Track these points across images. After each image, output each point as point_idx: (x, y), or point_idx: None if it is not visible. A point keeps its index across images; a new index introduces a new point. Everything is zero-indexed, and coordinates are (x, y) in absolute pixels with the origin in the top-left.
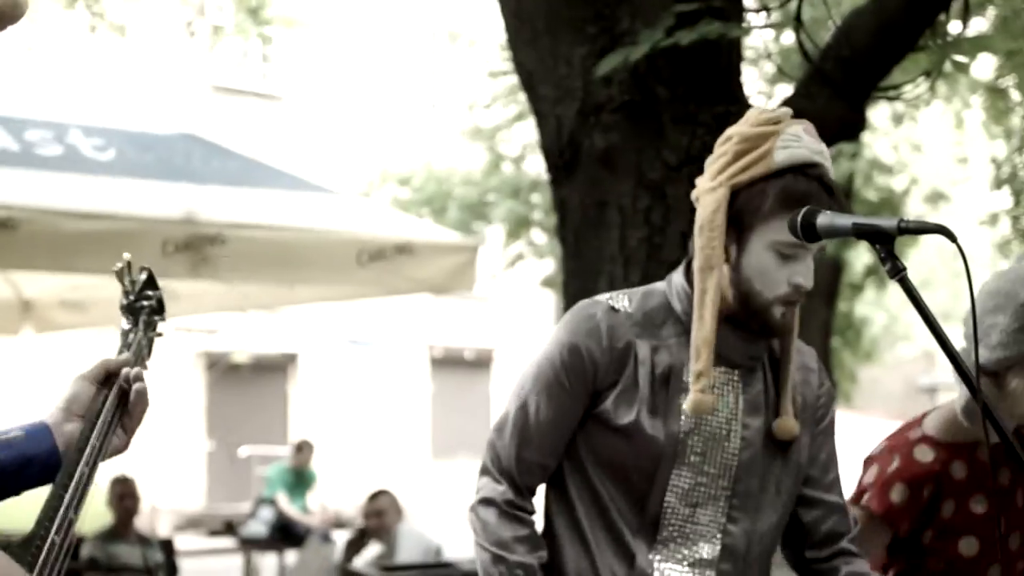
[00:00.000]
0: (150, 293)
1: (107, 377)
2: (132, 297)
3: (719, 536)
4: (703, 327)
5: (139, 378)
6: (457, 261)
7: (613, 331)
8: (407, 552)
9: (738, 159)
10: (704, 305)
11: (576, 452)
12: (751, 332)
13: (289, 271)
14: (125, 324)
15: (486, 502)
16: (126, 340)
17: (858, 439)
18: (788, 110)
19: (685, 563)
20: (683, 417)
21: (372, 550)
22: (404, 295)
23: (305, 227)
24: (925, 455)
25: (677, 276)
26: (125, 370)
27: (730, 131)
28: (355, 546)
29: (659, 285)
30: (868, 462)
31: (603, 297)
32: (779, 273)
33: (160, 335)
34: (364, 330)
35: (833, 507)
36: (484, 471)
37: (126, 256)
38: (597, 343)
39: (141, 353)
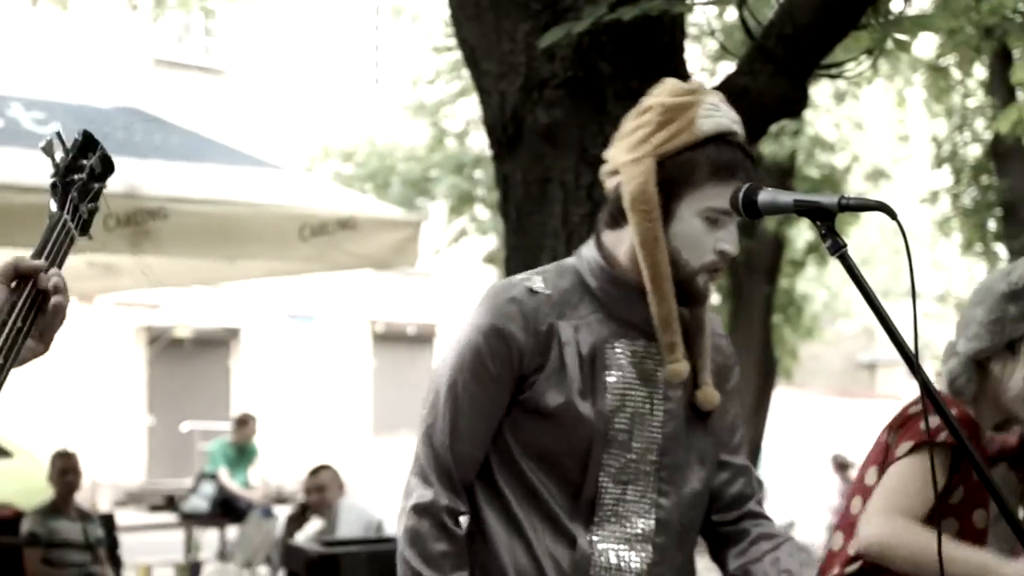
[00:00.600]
0: (84, 162)
1: (19, 278)
2: (61, 172)
3: (652, 511)
4: (665, 299)
5: (57, 288)
6: (400, 237)
7: (535, 314)
8: (348, 527)
9: (662, 129)
10: (660, 277)
11: (504, 442)
12: (680, 305)
13: (231, 246)
14: (53, 207)
15: (421, 510)
16: (50, 230)
17: (798, 415)
18: (701, 81)
19: (622, 541)
20: (609, 395)
21: (313, 525)
22: (347, 270)
23: (248, 202)
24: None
25: (588, 251)
26: (41, 277)
27: (647, 102)
28: (296, 521)
29: (568, 262)
30: (906, 414)
31: (518, 279)
32: (707, 240)
33: (96, 208)
34: (306, 305)
35: (740, 469)
36: (417, 473)
37: (55, 127)
38: (520, 327)
39: (62, 247)
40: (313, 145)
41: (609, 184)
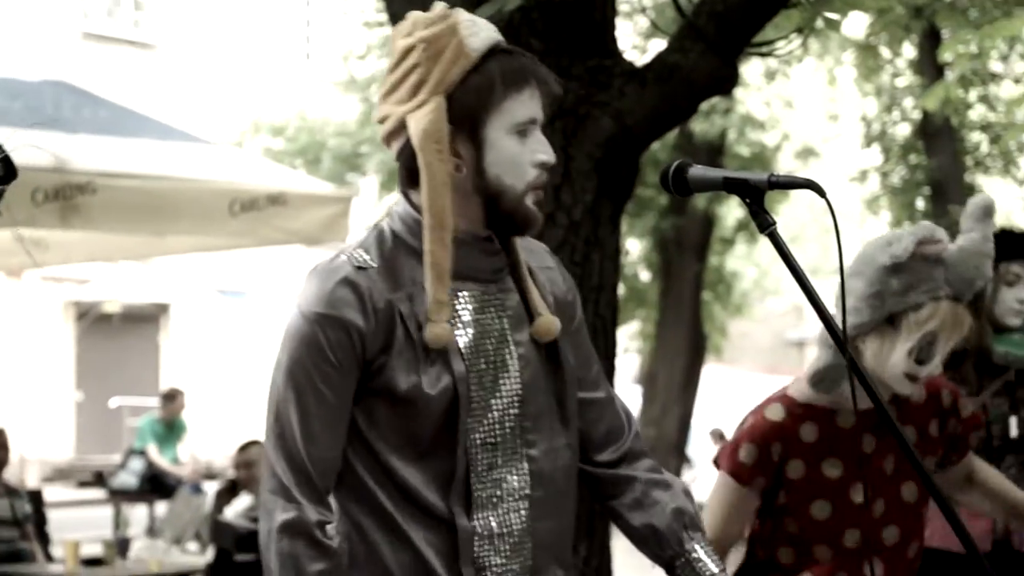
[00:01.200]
0: None
1: None
2: None
3: (524, 465)
4: (443, 249)
5: None
6: (330, 212)
7: (370, 293)
8: None
9: (435, 64)
10: (443, 226)
11: (360, 436)
12: (516, 235)
13: (161, 221)
14: None
15: (289, 530)
16: None
17: (727, 391)
18: (444, 4)
19: (500, 505)
20: (463, 356)
21: (243, 501)
22: (277, 246)
23: (177, 176)
24: (776, 413)
25: (401, 209)
26: None
27: (402, 44)
28: (226, 497)
29: (383, 226)
30: (739, 425)
31: (341, 257)
32: (524, 157)
33: None
34: (237, 281)
35: (603, 402)
36: (275, 489)
37: None
38: (357, 310)
39: None
40: (243, 120)
41: (396, 144)
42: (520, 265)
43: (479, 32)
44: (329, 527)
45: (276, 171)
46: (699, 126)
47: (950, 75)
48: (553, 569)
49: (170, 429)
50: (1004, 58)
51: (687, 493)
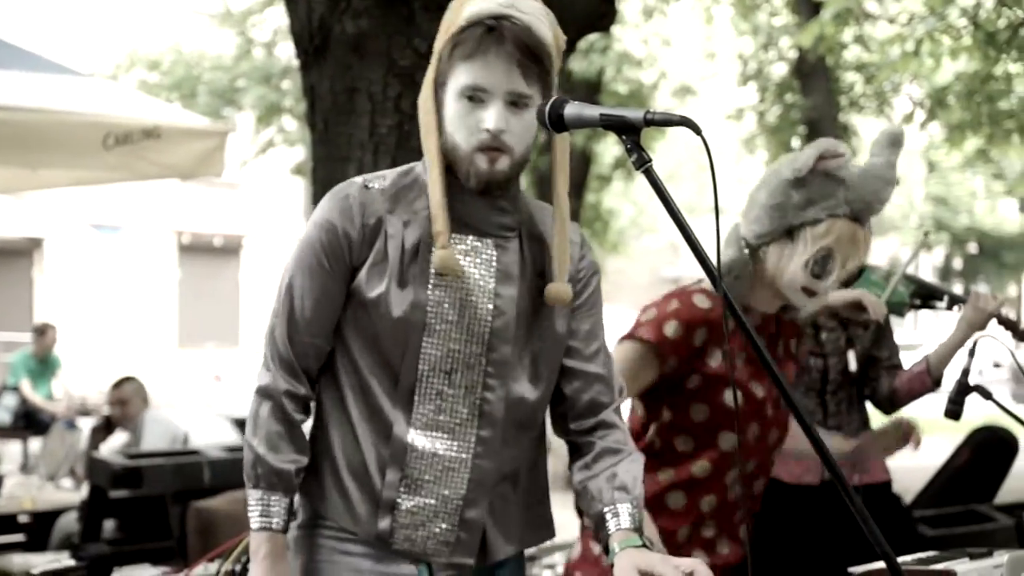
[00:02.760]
0: None
1: None
2: None
3: (477, 402)
4: (434, 188)
5: None
6: (206, 146)
7: (364, 208)
8: (153, 440)
9: (444, 24)
10: (433, 168)
11: (341, 332)
12: (479, 193)
13: (33, 154)
14: None
15: (262, 393)
16: None
17: (605, 328)
18: None
19: (443, 430)
20: (431, 286)
21: (118, 438)
22: (152, 180)
23: (50, 109)
24: (703, 302)
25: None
26: None
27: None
28: (101, 434)
29: (416, 164)
30: (646, 308)
31: (359, 178)
32: (470, 119)
33: None
34: (111, 215)
35: (594, 377)
36: (262, 360)
37: None
38: (350, 220)
39: None
40: (119, 53)
41: None
42: (557, 231)
43: (478, 3)
44: (300, 400)
45: (151, 104)
46: (577, 65)
47: (826, 14)
48: (484, 504)
49: (43, 365)
50: None
51: (634, 462)
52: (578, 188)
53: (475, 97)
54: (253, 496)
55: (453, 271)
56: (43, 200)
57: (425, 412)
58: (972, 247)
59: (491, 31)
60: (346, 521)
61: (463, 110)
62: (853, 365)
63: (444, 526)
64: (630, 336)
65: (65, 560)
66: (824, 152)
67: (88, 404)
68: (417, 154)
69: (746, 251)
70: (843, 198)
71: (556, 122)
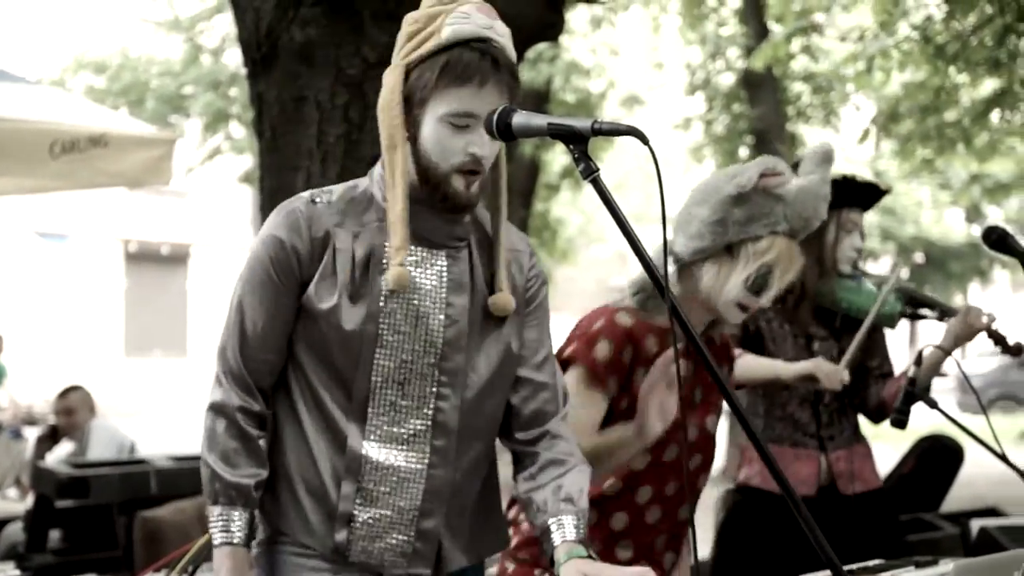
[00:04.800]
0: None
1: None
2: None
3: (430, 412)
4: (395, 204)
5: None
6: (153, 154)
7: (312, 222)
8: (100, 449)
9: (411, 39)
10: (395, 183)
11: (293, 347)
12: (447, 211)
13: None
14: None
15: (215, 409)
16: None
17: (552, 337)
18: None
19: (397, 442)
20: (383, 298)
21: (64, 447)
22: (99, 188)
23: None
24: (624, 320)
25: (377, 167)
26: None
27: (409, 15)
28: (47, 443)
29: (364, 178)
30: (573, 329)
31: (307, 193)
32: (453, 142)
33: None
34: (58, 224)
35: (540, 386)
36: (214, 376)
37: None
38: (298, 235)
39: None
40: (65, 57)
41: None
42: (497, 242)
43: (457, 24)
44: (254, 415)
45: (98, 112)
46: (526, 74)
47: (775, 27)
48: (440, 513)
49: None
50: (826, 9)
51: (579, 472)
52: (526, 197)
53: (462, 124)
54: (213, 513)
55: (405, 288)
56: None
57: (379, 424)
58: (919, 257)
59: (484, 56)
60: (303, 536)
61: (446, 133)
62: (846, 376)
63: (401, 537)
64: (571, 361)
65: (10, 570)
66: (766, 170)
67: (34, 413)
68: (365, 163)
69: (676, 267)
70: (782, 215)
71: (504, 131)
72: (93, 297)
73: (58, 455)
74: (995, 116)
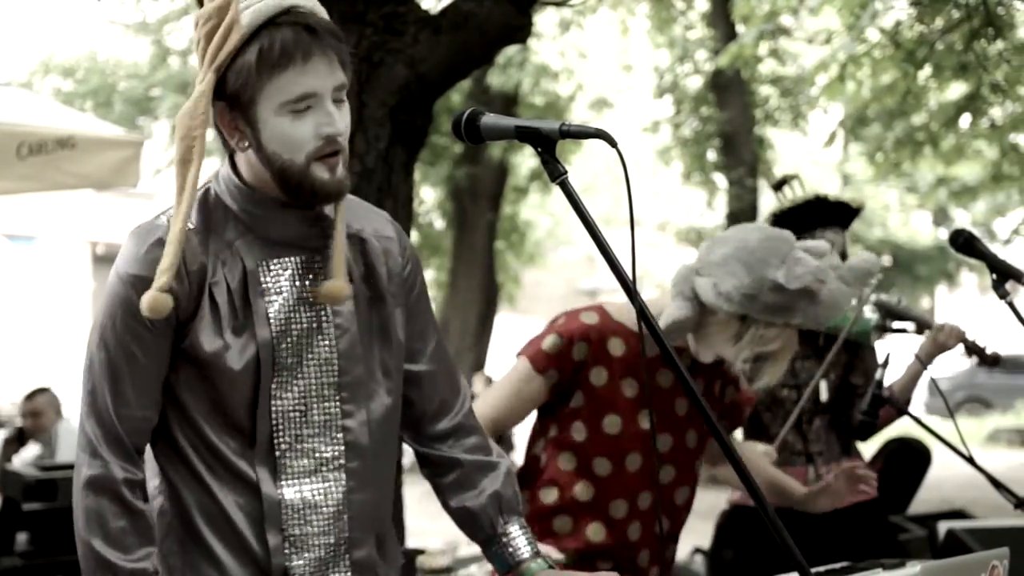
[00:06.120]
0: None
1: None
2: None
3: (340, 435)
4: (176, 222)
5: None
6: (121, 156)
7: (185, 256)
8: (67, 451)
9: (210, 40)
10: (181, 201)
11: (175, 398)
12: (310, 208)
13: None
14: None
15: (93, 485)
16: None
17: (520, 340)
18: None
19: (312, 474)
20: (271, 323)
21: (31, 449)
22: (66, 190)
23: None
24: (590, 318)
25: (224, 171)
26: None
27: (195, 14)
28: (13, 445)
29: (209, 188)
30: (549, 324)
31: (162, 219)
32: (300, 131)
33: None
34: (25, 226)
35: (436, 376)
36: (84, 447)
37: None
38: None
39: None
40: (33, 59)
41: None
42: (335, 229)
43: (252, 5)
44: (140, 488)
45: (65, 114)
46: (496, 79)
47: (742, 29)
48: (370, 541)
49: None
50: (794, 12)
51: (509, 474)
52: (495, 200)
53: (302, 107)
54: None
55: (161, 313)
56: None
57: (288, 461)
58: (886, 260)
59: (296, 27)
60: None
61: (288, 124)
62: (825, 394)
63: (339, 575)
64: (518, 354)
65: None
66: (819, 277)
67: (1, 415)
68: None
69: (697, 307)
70: (803, 312)
71: (472, 134)
72: (60, 299)
73: (24, 457)
74: (964, 120)
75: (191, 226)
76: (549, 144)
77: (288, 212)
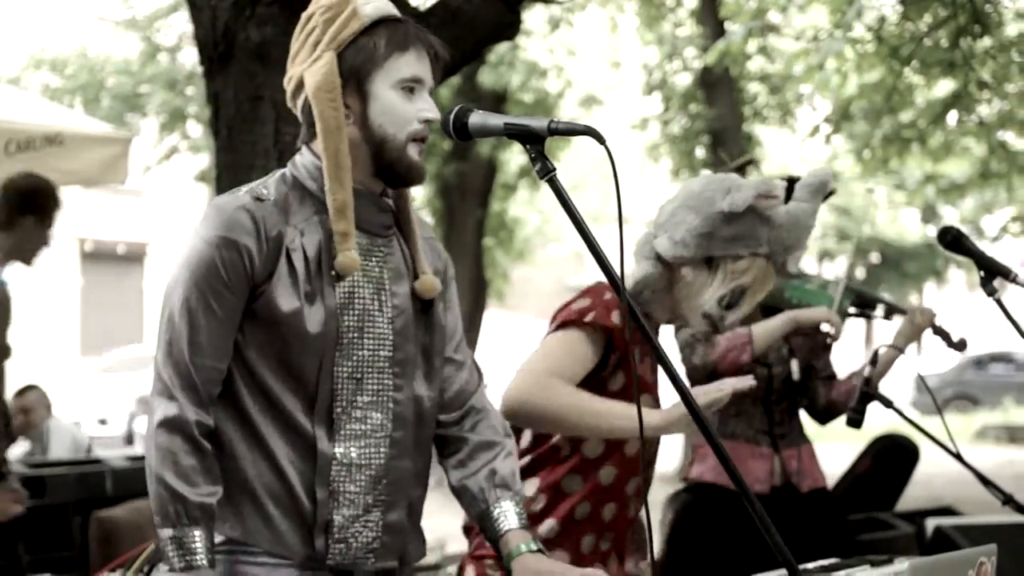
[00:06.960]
0: None
1: None
2: None
3: (390, 406)
4: (342, 189)
5: None
6: (109, 153)
7: (265, 221)
8: (57, 448)
9: (330, 25)
10: (339, 167)
11: (242, 353)
12: (393, 188)
13: None
14: None
15: (169, 426)
16: None
17: (509, 336)
18: None
19: (362, 438)
20: (337, 295)
21: (21, 447)
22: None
23: None
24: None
25: (302, 156)
26: None
27: (305, 13)
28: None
29: (286, 171)
30: (576, 297)
31: (243, 189)
32: (407, 109)
33: None
34: None
35: (460, 365)
36: (160, 391)
37: None
38: (251, 236)
39: None
40: (20, 55)
41: (298, 101)
42: (411, 224)
43: (372, 2)
44: (208, 430)
45: (53, 110)
46: (485, 77)
47: (731, 26)
48: (403, 506)
49: None
50: (783, 9)
51: (510, 453)
52: (483, 197)
53: (412, 88)
54: (167, 534)
55: (351, 272)
56: None
57: (343, 423)
58: (874, 257)
59: (408, 27)
60: (273, 546)
61: (400, 100)
62: (796, 374)
63: (370, 534)
64: (574, 323)
65: None
66: (763, 192)
67: None
68: None
69: (660, 266)
70: (766, 238)
71: (460, 131)
72: (49, 296)
73: (15, 454)
74: (951, 118)
75: (271, 198)
76: (538, 141)
77: (362, 198)
